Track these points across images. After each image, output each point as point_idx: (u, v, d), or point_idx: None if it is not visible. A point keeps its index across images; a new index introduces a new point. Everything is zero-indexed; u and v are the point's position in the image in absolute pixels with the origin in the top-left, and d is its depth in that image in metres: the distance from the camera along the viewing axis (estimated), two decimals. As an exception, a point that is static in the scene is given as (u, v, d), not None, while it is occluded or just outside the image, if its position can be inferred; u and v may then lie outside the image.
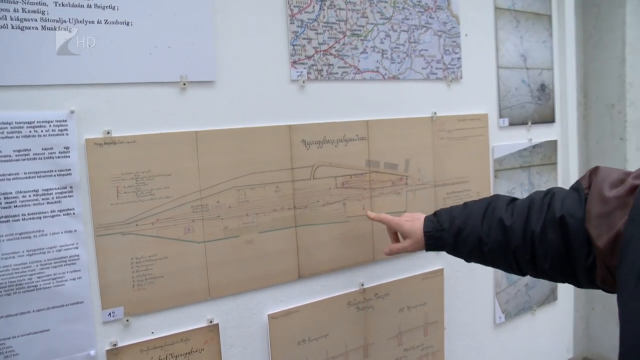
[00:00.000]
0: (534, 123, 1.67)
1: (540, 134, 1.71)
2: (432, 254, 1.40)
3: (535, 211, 0.87)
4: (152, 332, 1.05)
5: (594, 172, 0.82)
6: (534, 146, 1.68)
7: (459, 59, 1.48)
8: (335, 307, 1.28)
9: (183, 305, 1.08)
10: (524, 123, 1.65)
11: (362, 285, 1.32)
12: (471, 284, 1.55)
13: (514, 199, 0.97)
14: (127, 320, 1.02)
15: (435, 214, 1.08)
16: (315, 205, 1.23)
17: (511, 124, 1.61)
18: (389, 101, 1.35)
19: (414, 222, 1.11)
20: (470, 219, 0.99)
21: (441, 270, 1.47)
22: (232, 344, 1.14)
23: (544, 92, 1.69)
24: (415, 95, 1.40)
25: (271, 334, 1.18)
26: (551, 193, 0.88)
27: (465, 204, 1.04)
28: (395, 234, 1.18)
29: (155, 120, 1.03)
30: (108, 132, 0.99)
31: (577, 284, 0.86)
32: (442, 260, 1.46)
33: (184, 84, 1.05)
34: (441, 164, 1.45)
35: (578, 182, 0.84)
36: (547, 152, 1.71)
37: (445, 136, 1.46)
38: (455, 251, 1.04)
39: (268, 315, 1.18)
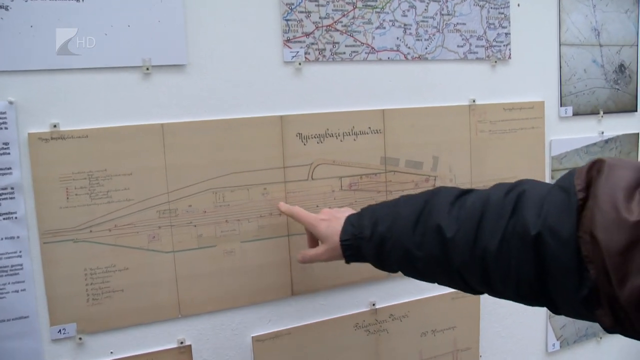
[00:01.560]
0: (607, 112, 1.36)
1: (616, 126, 1.39)
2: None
3: (491, 217, 0.62)
4: (111, 352, 0.93)
5: (596, 167, 0.55)
6: (607, 140, 1.37)
7: (507, 34, 1.21)
8: (339, 329, 1.09)
9: (148, 323, 0.94)
10: (593, 113, 1.35)
11: (374, 305, 1.12)
12: (516, 305, 1.27)
13: (464, 193, 0.71)
14: (80, 339, 0.90)
15: (360, 213, 0.84)
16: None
17: (576, 114, 1.32)
18: (413, 86, 1.12)
19: (331, 222, 0.86)
20: (398, 224, 0.74)
21: (477, 289, 1.23)
22: (208, 369, 0.99)
23: (623, 74, 1.38)
24: (448, 79, 1.16)
25: (256, 359, 1.02)
26: (518, 190, 0.62)
27: (398, 199, 0.80)
28: (313, 235, 0.93)
29: (112, 112, 0.89)
30: (55, 126, 0.86)
31: (555, 312, 0.62)
32: (478, 277, 1.22)
33: (148, 69, 0.90)
34: (481, 162, 1.20)
35: (568, 179, 0.57)
36: (624, 148, 1.40)
37: (487, 128, 1.21)
38: (381, 265, 0.81)
39: (252, 337, 1.01)
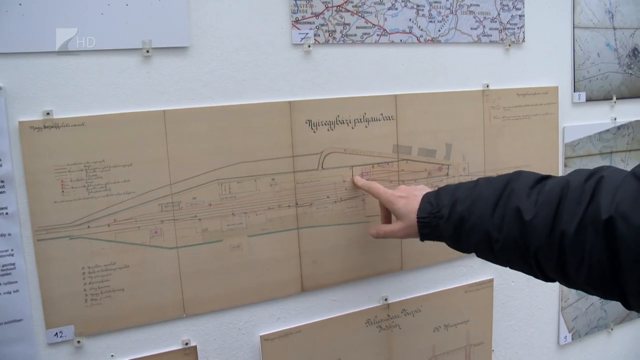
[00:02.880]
0: (620, 98, 1.32)
1: (629, 112, 1.35)
2: (477, 260, 1.13)
3: (570, 202, 0.62)
4: (112, 356, 0.87)
5: None
6: (619, 127, 1.33)
7: (521, 16, 1.16)
8: (350, 326, 1.04)
9: (151, 324, 0.88)
10: (606, 98, 1.30)
11: (386, 299, 1.07)
12: (529, 298, 1.25)
13: (543, 178, 0.71)
14: (79, 342, 0.84)
15: (438, 192, 0.83)
16: (325, 202, 0.99)
17: (589, 100, 1.28)
18: (426, 71, 1.07)
19: (409, 199, 0.86)
20: (478, 205, 0.74)
21: (490, 281, 1.19)
22: (215, 371, 0.94)
23: (637, 58, 1.33)
24: (462, 62, 1.11)
25: (265, 359, 0.97)
26: (598, 176, 0.62)
27: (477, 181, 0.79)
28: (388, 211, 0.93)
29: (110, 98, 0.82)
30: (48, 113, 0.79)
31: (627, 306, 0.61)
32: (491, 269, 1.18)
33: (148, 51, 0.84)
34: (494, 149, 1.16)
35: None
36: (636, 135, 1.36)
37: (501, 115, 1.16)
38: (457, 245, 0.80)
39: (260, 336, 0.96)
